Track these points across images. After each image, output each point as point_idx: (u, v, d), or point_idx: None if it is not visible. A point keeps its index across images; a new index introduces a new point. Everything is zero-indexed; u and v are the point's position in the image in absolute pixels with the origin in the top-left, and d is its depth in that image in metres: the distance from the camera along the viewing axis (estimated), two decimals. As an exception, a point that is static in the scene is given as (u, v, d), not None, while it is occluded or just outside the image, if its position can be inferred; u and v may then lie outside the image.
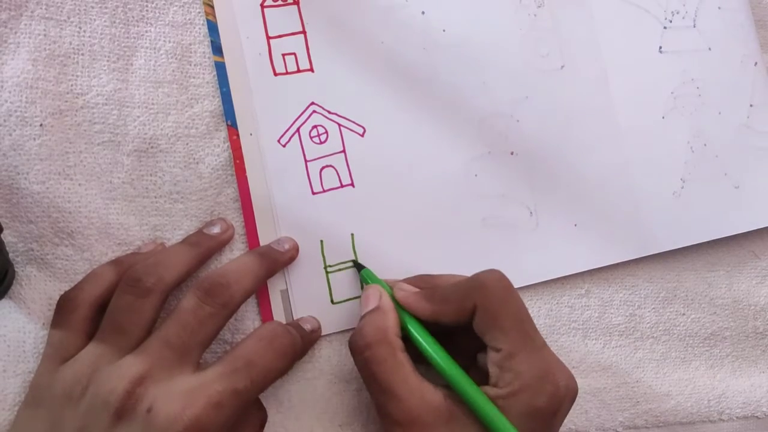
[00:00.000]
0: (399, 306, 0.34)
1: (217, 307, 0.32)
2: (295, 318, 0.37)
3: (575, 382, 0.32)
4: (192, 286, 0.32)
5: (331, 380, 0.38)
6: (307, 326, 0.37)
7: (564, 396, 0.31)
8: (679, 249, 0.43)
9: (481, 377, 0.32)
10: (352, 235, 0.38)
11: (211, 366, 0.31)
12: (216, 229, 0.36)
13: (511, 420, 0.30)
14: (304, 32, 0.38)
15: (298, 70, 0.38)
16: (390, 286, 0.36)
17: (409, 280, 0.37)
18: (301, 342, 0.34)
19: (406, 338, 0.34)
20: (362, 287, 0.37)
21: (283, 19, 0.38)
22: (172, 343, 0.31)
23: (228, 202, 0.37)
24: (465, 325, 0.33)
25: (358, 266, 0.38)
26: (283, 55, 0.38)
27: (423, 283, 0.36)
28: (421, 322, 0.34)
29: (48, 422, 0.30)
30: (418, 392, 0.31)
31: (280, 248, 0.37)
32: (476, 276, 0.34)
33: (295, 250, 0.37)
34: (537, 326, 0.33)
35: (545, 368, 0.31)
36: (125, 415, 0.29)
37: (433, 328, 0.34)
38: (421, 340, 0.33)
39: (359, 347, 0.32)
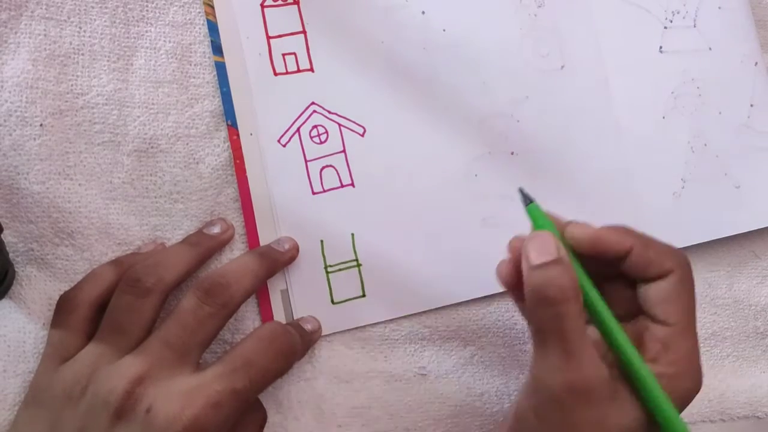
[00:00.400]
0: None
1: (216, 307, 0.32)
2: (295, 318, 0.37)
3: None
4: (192, 286, 0.32)
5: (331, 381, 0.38)
6: (307, 326, 0.37)
7: (698, 390, 0.31)
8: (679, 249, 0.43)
9: None
10: (353, 235, 0.38)
11: (211, 366, 0.31)
12: (216, 229, 0.36)
13: (672, 402, 0.29)
14: (304, 32, 0.38)
15: (298, 70, 0.38)
16: (562, 227, 0.32)
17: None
18: (301, 342, 0.34)
19: None
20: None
21: (283, 18, 0.38)
22: (171, 343, 0.31)
23: (228, 202, 0.37)
24: (622, 278, 0.32)
25: (525, 198, 0.33)
26: (283, 54, 0.38)
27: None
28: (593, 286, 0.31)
29: (47, 422, 0.30)
30: (596, 361, 0.29)
31: (280, 248, 0.37)
32: (676, 248, 0.32)
33: (295, 249, 0.37)
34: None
35: (696, 356, 0.31)
36: (124, 415, 0.29)
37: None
38: (601, 305, 0.31)
39: (555, 299, 0.29)
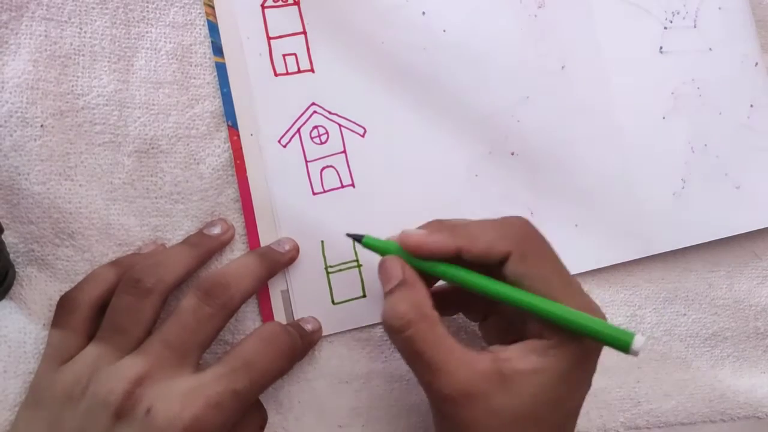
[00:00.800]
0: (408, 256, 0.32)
1: (216, 307, 0.32)
2: (295, 318, 0.37)
3: None
4: (192, 287, 0.32)
5: (331, 381, 0.38)
6: (308, 326, 0.37)
7: None
8: (679, 249, 0.43)
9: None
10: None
11: (211, 367, 0.31)
12: (216, 230, 0.36)
13: (564, 366, 0.29)
14: (304, 33, 0.38)
15: (299, 71, 0.38)
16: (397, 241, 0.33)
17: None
18: (301, 342, 0.34)
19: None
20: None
21: (283, 19, 0.38)
22: (171, 343, 0.31)
23: (229, 202, 0.37)
24: (485, 268, 0.31)
25: (355, 237, 0.34)
26: (284, 55, 0.38)
27: (434, 226, 0.33)
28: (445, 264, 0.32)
29: (47, 422, 0.30)
30: (466, 363, 0.30)
31: (280, 249, 0.37)
32: (506, 219, 0.32)
33: (296, 250, 0.37)
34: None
35: (590, 309, 0.30)
36: (124, 415, 0.29)
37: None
38: (456, 273, 0.31)
39: (398, 327, 0.30)
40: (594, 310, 0.31)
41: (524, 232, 0.32)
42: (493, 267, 0.31)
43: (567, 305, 0.30)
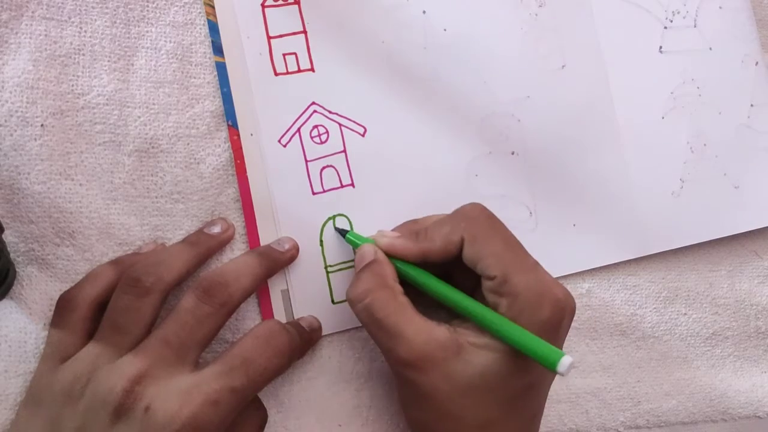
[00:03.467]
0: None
1: (215, 306, 0.32)
2: (295, 318, 0.37)
3: (572, 296, 0.33)
4: (191, 286, 0.32)
5: (332, 380, 0.38)
6: (307, 325, 0.37)
7: (564, 307, 0.32)
8: (680, 249, 0.43)
9: None
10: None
11: (209, 365, 0.31)
12: (216, 229, 0.36)
13: (511, 349, 0.31)
14: (304, 32, 0.38)
15: (299, 70, 0.38)
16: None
17: (393, 230, 0.37)
18: (300, 340, 0.34)
19: (404, 285, 0.34)
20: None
21: (283, 18, 0.38)
22: (170, 342, 0.31)
23: (229, 202, 0.37)
24: (455, 262, 0.33)
25: (341, 232, 0.37)
26: (284, 54, 0.38)
27: (406, 228, 0.36)
28: (412, 265, 0.34)
29: (47, 421, 0.30)
30: (424, 330, 0.31)
31: (280, 248, 0.37)
32: (459, 209, 0.34)
33: (296, 249, 0.37)
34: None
35: (542, 285, 0.32)
36: (123, 413, 0.29)
37: (428, 270, 0.34)
38: (417, 275, 0.33)
39: (358, 295, 0.32)
40: (546, 287, 0.32)
41: (473, 216, 0.33)
42: (452, 259, 0.33)
43: (520, 282, 0.31)
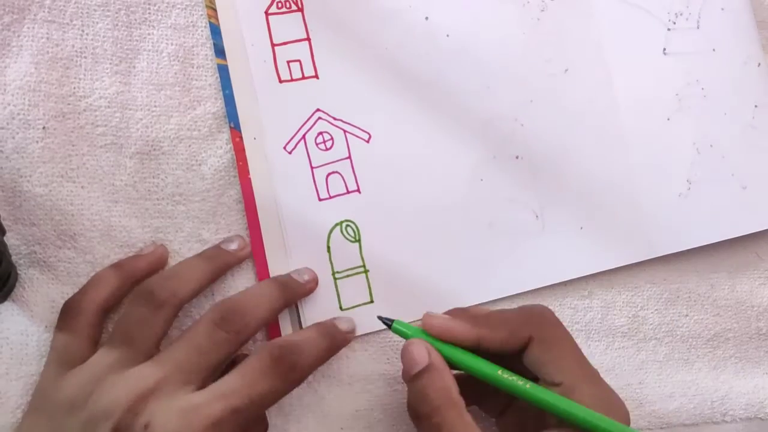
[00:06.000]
0: (433, 339, 0.32)
1: (231, 333, 0.32)
2: (303, 324, 0.37)
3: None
4: (208, 310, 0.32)
5: (333, 383, 0.38)
6: (343, 328, 0.36)
7: (629, 421, 0.31)
8: (681, 250, 0.43)
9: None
10: (360, 240, 0.38)
11: (212, 385, 0.30)
12: (233, 246, 0.36)
13: None
14: (308, 39, 0.38)
15: (303, 77, 0.38)
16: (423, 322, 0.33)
17: (445, 313, 0.34)
18: (313, 358, 0.33)
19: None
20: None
21: (287, 26, 0.38)
22: (182, 363, 0.31)
23: (231, 203, 0.37)
24: (501, 357, 0.32)
25: (385, 322, 0.34)
26: (288, 62, 0.38)
27: (458, 312, 0.34)
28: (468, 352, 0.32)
29: (50, 429, 0.30)
30: None
31: (300, 279, 0.36)
32: (527, 307, 0.33)
33: (315, 282, 0.37)
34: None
35: (609, 398, 0.31)
36: (123, 429, 0.28)
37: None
38: (481, 365, 0.31)
39: (426, 413, 0.30)
40: (613, 400, 0.31)
41: (544, 319, 0.32)
42: (512, 357, 0.32)
43: (586, 393, 0.30)
